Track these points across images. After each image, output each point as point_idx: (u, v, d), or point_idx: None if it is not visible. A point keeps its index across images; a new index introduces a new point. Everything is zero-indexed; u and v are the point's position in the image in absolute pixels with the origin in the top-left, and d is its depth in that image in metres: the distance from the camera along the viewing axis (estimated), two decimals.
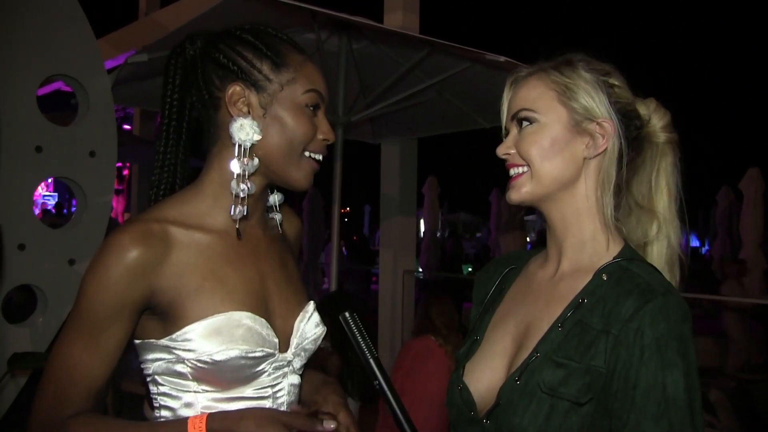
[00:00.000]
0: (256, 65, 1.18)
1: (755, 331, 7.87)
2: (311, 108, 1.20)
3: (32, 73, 2.72)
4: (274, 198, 1.32)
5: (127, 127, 11.68)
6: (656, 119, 1.19)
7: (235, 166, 1.15)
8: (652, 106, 1.20)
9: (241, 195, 1.16)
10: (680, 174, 1.20)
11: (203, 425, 1.05)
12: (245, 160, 1.15)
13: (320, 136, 1.22)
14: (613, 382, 1.02)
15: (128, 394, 4.24)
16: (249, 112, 1.17)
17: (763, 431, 4.21)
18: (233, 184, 1.15)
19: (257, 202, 1.25)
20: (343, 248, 12.00)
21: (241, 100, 1.17)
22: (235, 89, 1.17)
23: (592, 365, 1.04)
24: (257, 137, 1.16)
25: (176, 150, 1.25)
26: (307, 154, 1.21)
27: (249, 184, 1.16)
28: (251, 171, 1.17)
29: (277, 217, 1.33)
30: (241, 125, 1.15)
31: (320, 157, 1.23)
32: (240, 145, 1.15)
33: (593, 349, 1.05)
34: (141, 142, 8.39)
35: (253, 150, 1.17)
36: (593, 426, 1.04)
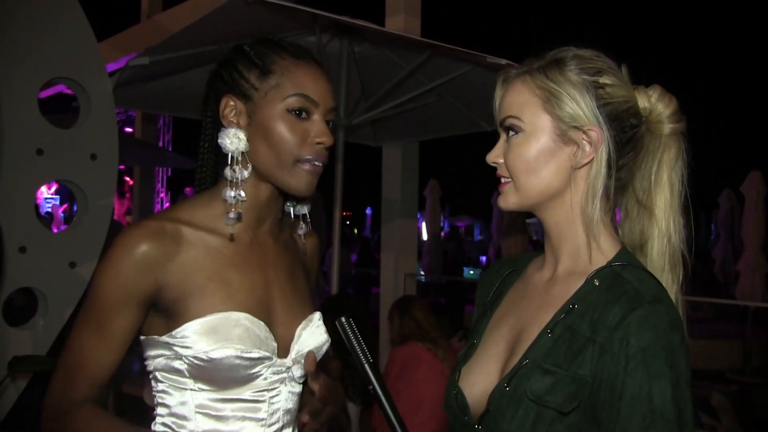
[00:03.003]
0: (245, 75, 1.21)
1: (757, 334, 7.85)
2: (298, 112, 1.19)
3: (33, 75, 2.72)
4: (301, 209, 1.34)
5: (129, 129, 11.70)
6: (662, 107, 1.13)
7: (225, 174, 1.20)
8: (656, 94, 1.13)
9: (230, 201, 1.19)
10: (686, 167, 1.14)
11: None
12: (235, 168, 1.19)
13: (315, 140, 1.20)
14: (600, 391, 0.99)
15: (129, 396, 4.24)
16: (238, 123, 1.20)
17: None
18: (224, 190, 1.20)
19: (268, 209, 1.27)
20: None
21: (233, 112, 1.21)
22: (227, 102, 1.21)
23: (579, 373, 1.01)
24: (243, 146, 1.19)
25: (212, 165, 1.29)
26: (304, 159, 1.20)
27: (239, 192, 1.20)
28: (242, 178, 1.20)
29: (302, 230, 1.36)
30: (227, 134, 1.19)
31: (318, 162, 1.22)
32: (231, 154, 1.19)
33: (580, 356, 1.02)
34: (142, 144, 8.40)
35: (246, 158, 1.21)
36: None
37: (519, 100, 1.13)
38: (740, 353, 7.64)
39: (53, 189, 14.16)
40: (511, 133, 1.13)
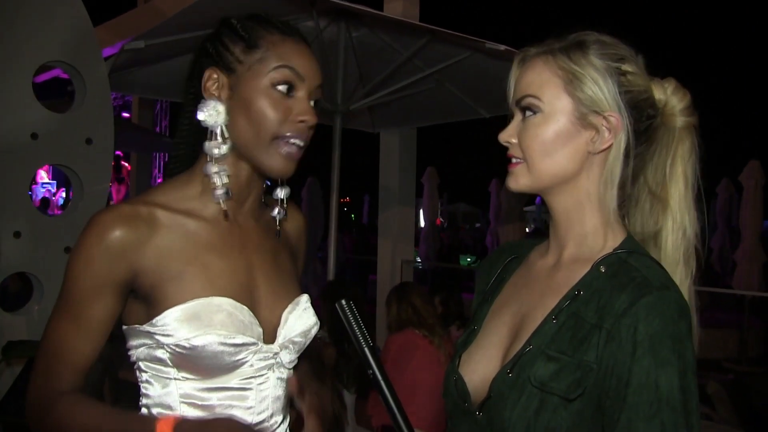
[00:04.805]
0: (230, 48, 1.16)
1: (753, 323, 7.87)
2: (282, 87, 1.14)
3: (28, 59, 2.70)
4: (281, 193, 1.27)
5: (126, 115, 11.65)
6: (675, 101, 1.12)
7: (205, 149, 1.15)
8: (671, 87, 1.13)
9: (213, 177, 1.15)
10: (698, 160, 1.14)
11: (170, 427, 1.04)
12: (215, 142, 1.14)
13: (297, 117, 1.15)
14: (606, 378, 0.99)
15: (126, 382, 4.24)
16: (220, 96, 1.16)
17: (761, 424, 4.21)
18: (205, 166, 1.15)
19: (248, 189, 1.22)
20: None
21: (215, 84, 1.16)
22: (210, 74, 1.16)
23: (584, 360, 1.00)
24: (222, 119, 1.14)
25: (191, 145, 1.23)
26: (282, 136, 1.15)
27: (222, 167, 1.15)
28: (222, 153, 1.15)
29: (277, 213, 1.28)
30: (205, 107, 1.14)
31: (299, 142, 1.16)
32: (211, 129, 1.15)
33: (586, 343, 1.01)
34: (140, 130, 8.37)
35: (225, 133, 1.16)
36: (585, 422, 1.00)
37: (539, 79, 1.10)
38: (737, 342, 7.66)
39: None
40: (528, 113, 1.11)
